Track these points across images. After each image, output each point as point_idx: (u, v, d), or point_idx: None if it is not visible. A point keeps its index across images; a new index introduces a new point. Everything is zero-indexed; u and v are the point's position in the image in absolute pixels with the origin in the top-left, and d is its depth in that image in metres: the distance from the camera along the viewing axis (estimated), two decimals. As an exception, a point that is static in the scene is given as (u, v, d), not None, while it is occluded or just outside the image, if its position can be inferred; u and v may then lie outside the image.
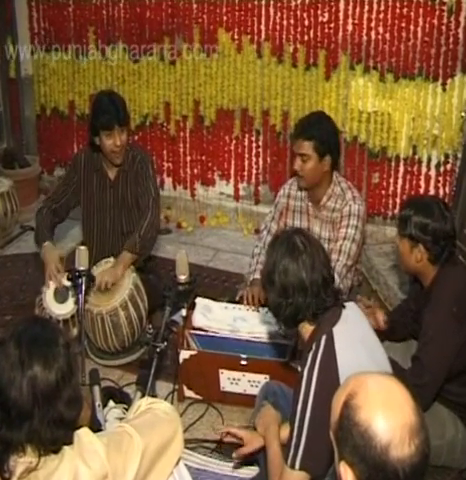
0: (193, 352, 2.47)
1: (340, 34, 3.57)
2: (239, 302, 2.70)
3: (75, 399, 1.35)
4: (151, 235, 2.82)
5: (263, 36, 3.77)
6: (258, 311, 2.62)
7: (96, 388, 2.06)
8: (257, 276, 2.73)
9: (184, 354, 2.47)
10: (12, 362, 1.30)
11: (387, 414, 1.08)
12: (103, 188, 2.97)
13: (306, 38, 3.65)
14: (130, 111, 4.09)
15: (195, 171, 4.20)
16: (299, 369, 1.72)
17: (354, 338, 1.67)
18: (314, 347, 1.64)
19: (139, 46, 4.09)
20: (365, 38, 3.52)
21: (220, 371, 2.44)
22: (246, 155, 4.02)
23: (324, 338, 1.64)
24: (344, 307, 1.73)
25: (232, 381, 2.45)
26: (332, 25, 3.57)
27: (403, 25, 3.42)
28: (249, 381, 2.43)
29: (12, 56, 4.48)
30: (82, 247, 2.63)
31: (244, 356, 2.39)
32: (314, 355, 1.63)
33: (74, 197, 2.99)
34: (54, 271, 2.72)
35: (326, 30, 3.60)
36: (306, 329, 1.73)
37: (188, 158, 4.19)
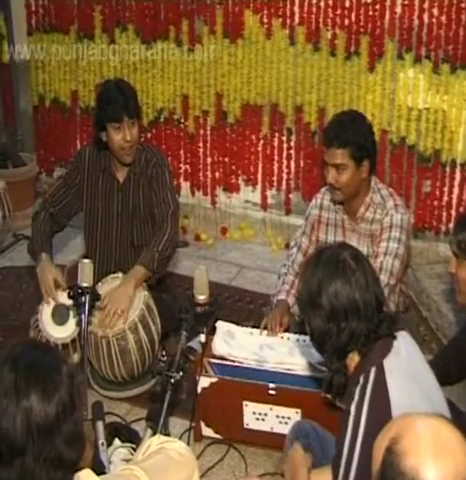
0: (213, 379, 2.51)
1: (387, 17, 3.60)
2: (264, 328, 2.74)
3: (77, 437, 1.35)
4: (169, 253, 2.89)
5: (297, 20, 3.83)
6: (288, 338, 2.67)
7: (100, 424, 2.09)
8: (281, 297, 2.79)
9: (203, 381, 2.51)
10: (6, 388, 1.30)
11: (438, 461, 1.09)
12: (110, 191, 3.03)
13: (347, 22, 3.70)
14: (142, 105, 4.18)
15: (216, 175, 4.27)
16: (336, 402, 1.75)
17: (407, 373, 1.70)
18: (362, 380, 1.67)
19: (153, 29, 4.17)
20: (416, 22, 3.55)
21: (244, 403, 2.49)
22: (276, 157, 4.08)
23: (374, 370, 1.67)
24: (395, 337, 1.76)
25: (258, 416, 2.49)
26: (377, 7, 3.61)
27: (462, 5, 3.43)
28: (277, 417, 2.47)
29: (4, 37, 4.60)
30: (86, 260, 2.69)
31: (272, 385, 2.44)
32: (362, 389, 1.66)
33: (75, 201, 3.05)
34: (52, 286, 2.77)
35: (370, 13, 3.63)
36: (354, 361, 1.76)
37: (208, 160, 4.26)
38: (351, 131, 2.64)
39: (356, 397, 1.66)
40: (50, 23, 4.47)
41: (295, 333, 2.66)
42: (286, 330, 2.70)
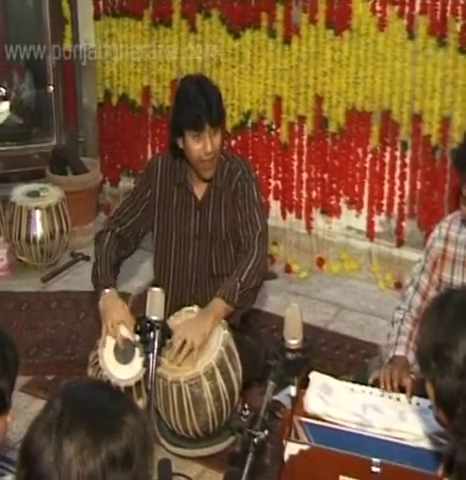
0: (304, 447, 2.52)
1: None
2: (372, 385, 2.75)
3: None
4: (255, 283, 2.92)
5: (417, 7, 3.83)
6: (398, 399, 2.67)
7: (167, 486, 2.17)
8: (400, 353, 2.78)
9: (291, 448, 2.52)
10: (49, 423, 1.35)
11: None
12: (186, 209, 3.10)
13: (481, 11, 3.68)
14: (226, 106, 4.20)
15: (313, 194, 4.31)
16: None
17: None
18: None
19: (241, 16, 4.25)
20: None
21: (341, 478, 2.50)
22: (386, 176, 4.09)
23: None
24: None
25: (358, 495, 2.51)
26: None
27: None
28: (383, 498, 2.48)
29: (68, 21, 4.76)
30: (156, 289, 2.73)
31: (377, 460, 2.44)
32: None
33: (145, 219, 3.14)
34: (116, 323, 2.85)
35: None
36: None
37: (304, 176, 4.31)
38: None
39: None
40: (120, 6, 4.63)
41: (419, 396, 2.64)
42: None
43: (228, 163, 3.08)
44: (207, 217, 3.10)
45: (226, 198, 3.07)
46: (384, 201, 4.14)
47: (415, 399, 2.63)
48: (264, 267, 2.98)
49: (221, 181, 3.06)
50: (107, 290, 2.93)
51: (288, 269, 4.35)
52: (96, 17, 4.75)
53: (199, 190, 3.10)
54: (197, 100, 2.91)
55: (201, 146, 2.93)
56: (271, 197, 4.38)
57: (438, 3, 3.77)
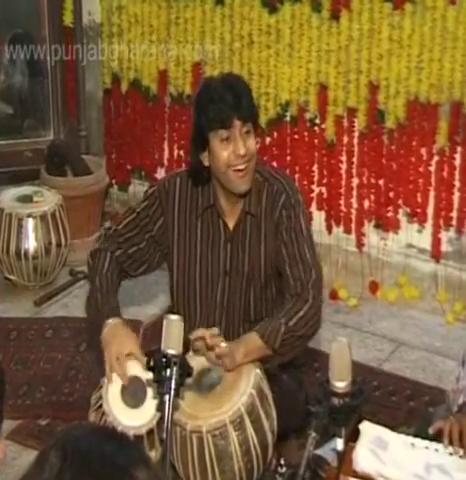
0: (354, 511, 2.55)
1: None
2: (436, 439, 2.75)
3: None
4: (304, 332, 2.90)
5: (496, -23, 3.86)
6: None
7: None
8: (469, 399, 2.79)
9: (339, 513, 2.56)
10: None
11: None
12: (214, 239, 3.05)
13: None
14: (260, 96, 4.31)
15: (366, 204, 4.32)
16: None
17: None
18: None
19: (279, -14, 4.28)
20: None
21: None
22: (456, 183, 4.11)
23: None
24: None
25: None
26: None
27: None
28: None
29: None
30: (173, 316, 2.72)
31: None
32: None
33: (150, 253, 3.09)
34: (122, 357, 2.84)
35: None
36: None
37: (354, 181, 4.33)
38: None
39: None
40: (132, -27, 4.68)
41: None
42: None
43: (267, 185, 3.02)
44: (241, 251, 3.06)
45: (266, 229, 3.03)
46: (453, 214, 4.15)
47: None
48: (318, 318, 2.97)
49: (257, 207, 3.01)
50: (110, 320, 2.92)
51: (334, 295, 4.36)
52: (102, -13, 4.82)
53: (231, 217, 3.04)
54: (222, 95, 2.87)
55: (231, 149, 2.88)
56: (314, 207, 4.40)
57: None
